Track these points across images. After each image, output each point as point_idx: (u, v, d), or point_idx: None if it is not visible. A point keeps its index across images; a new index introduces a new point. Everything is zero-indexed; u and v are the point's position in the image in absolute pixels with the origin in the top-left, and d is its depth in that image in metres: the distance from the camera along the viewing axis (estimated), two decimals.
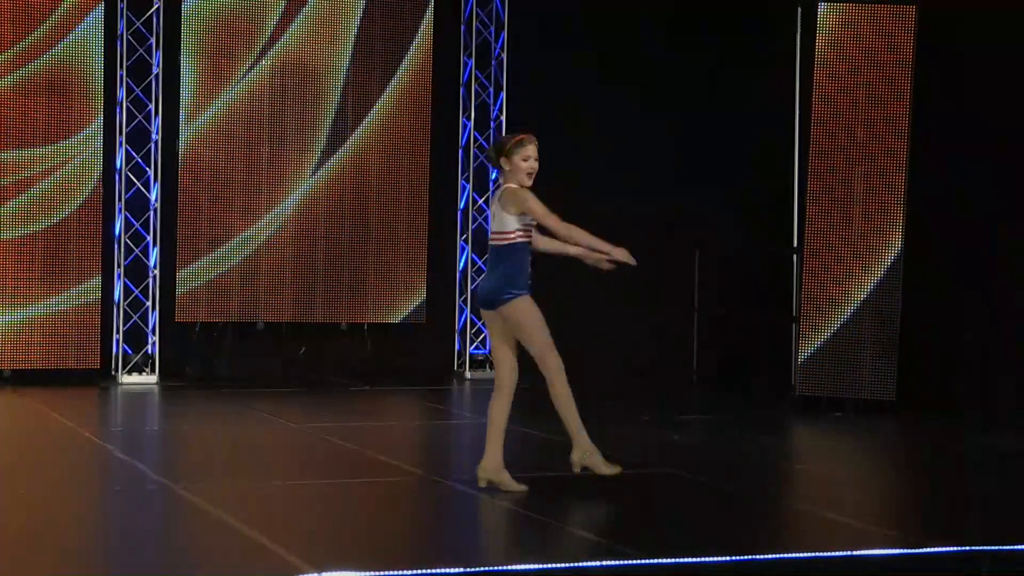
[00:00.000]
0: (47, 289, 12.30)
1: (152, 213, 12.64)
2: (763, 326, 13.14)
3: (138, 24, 12.54)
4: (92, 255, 12.40)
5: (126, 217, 12.58)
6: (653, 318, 13.48)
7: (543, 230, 7.68)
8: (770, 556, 6.31)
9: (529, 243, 7.64)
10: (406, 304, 13.32)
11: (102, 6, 12.32)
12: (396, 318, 13.34)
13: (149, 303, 12.66)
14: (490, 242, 7.70)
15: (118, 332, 12.60)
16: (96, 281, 12.41)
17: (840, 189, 11.39)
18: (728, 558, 6.20)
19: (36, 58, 12.22)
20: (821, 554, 6.41)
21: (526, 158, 7.58)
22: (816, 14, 11.47)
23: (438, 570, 5.87)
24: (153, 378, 12.58)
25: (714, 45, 13.50)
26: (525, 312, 7.57)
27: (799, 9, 12.43)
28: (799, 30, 12.42)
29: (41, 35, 12.21)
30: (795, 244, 12.38)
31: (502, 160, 7.61)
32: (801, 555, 6.39)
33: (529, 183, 7.60)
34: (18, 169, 12.21)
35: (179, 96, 12.66)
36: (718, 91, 13.45)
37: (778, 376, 12.55)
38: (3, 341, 12.24)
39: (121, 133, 12.56)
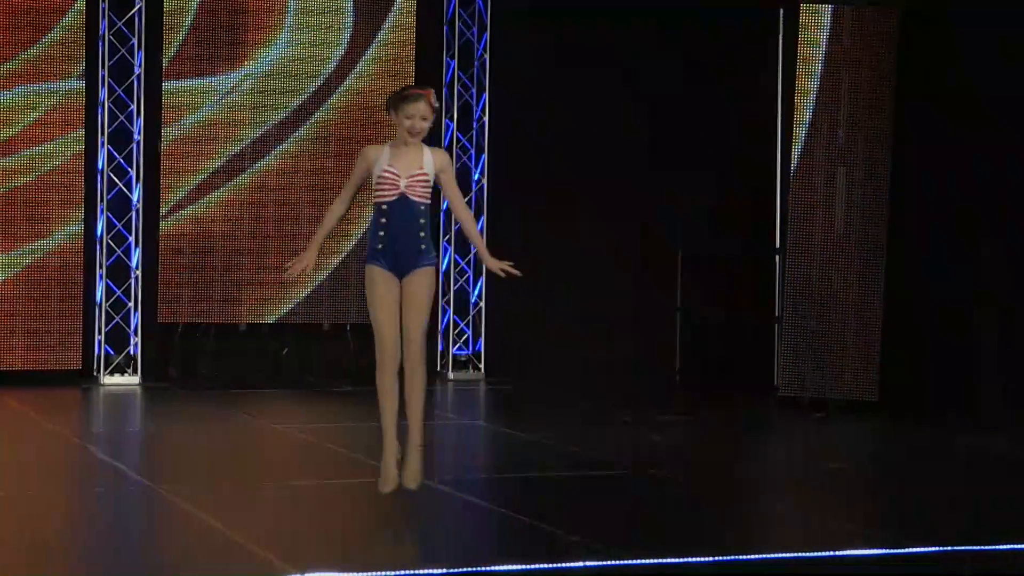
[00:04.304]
0: (28, 288, 12.25)
1: (134, 213, 12.60)
2: (746, 326, 13.15)
3: (120, 24, 12.50)
4: (75, 255, 12.37)
5: (108, 217, 12.55)
6: (635, 318, 13.49)
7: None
8: (752, 556, 6.32)
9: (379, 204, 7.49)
10: None
11: (83, 5, 12.30)
12: None
13: (131, 304, 12.62)
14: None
15: (100, 333, 12.55)
16: (78, 281, 12.37)
17: (823, 190, 11.41)
18: (710, 559, 6.21)
19: (16, 57, 12.21)
20: (803, 554, 6.42)
21: (409, 116, 7.04)
22: (798, 16, 11.50)
23: (421, 571, 5.86)
24: (135, 379, 12.54)
25: (698, 46, 13.50)
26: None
27: (781, 11, 12.44)
28: (781, 32, 12.43)
29: (25, 38, 12.20)
30: (778, 245, 12.40)
31: (391, 113, 7.08)
32: (783, 555, 6.40)
33: (412, 140, 7.11)
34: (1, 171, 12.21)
35: (161, 96, 12.63)
36: (702, 92, 13.45)
37: (761, 376, 12.56)
38: None
39: (103, 134, 12.52)
